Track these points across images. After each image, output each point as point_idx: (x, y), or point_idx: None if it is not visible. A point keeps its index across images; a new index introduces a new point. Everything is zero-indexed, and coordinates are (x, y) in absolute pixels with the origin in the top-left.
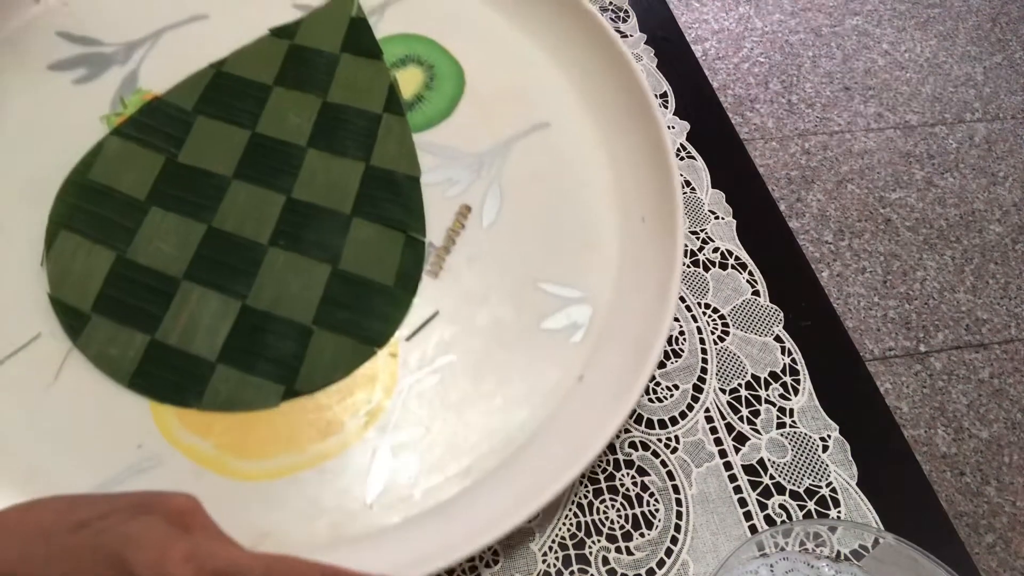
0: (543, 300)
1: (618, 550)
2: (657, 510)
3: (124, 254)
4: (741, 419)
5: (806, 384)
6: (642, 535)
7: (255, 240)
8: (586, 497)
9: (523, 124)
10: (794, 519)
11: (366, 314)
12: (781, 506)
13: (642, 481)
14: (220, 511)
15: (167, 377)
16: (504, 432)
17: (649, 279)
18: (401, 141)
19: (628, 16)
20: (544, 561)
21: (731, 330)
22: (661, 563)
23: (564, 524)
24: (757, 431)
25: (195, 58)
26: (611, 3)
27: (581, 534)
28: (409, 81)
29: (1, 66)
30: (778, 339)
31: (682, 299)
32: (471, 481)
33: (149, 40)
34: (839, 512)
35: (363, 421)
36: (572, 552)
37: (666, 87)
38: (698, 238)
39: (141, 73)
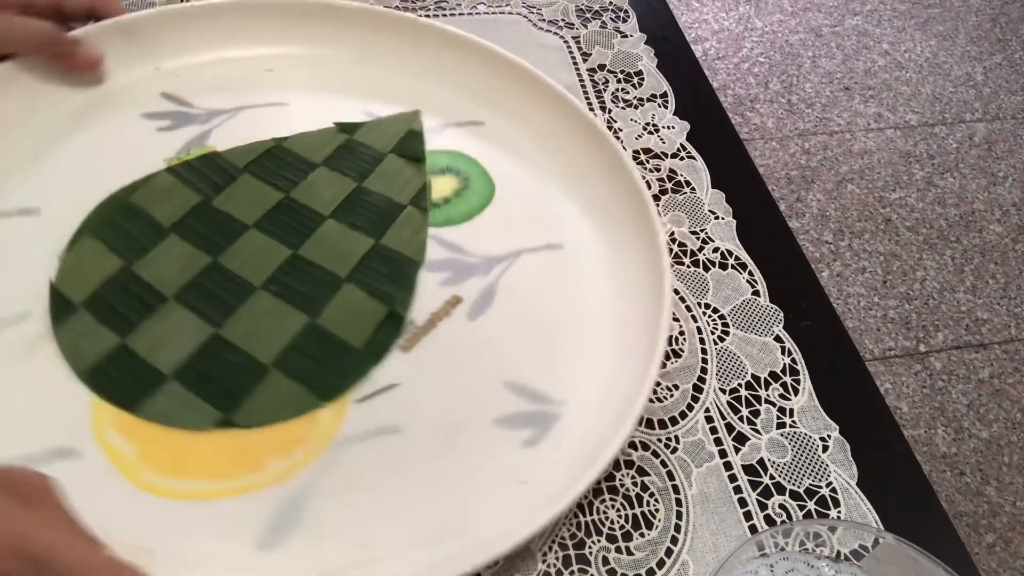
0: (505, 401)
1: (618, 550)
2: (657, 510)
3: (131, 265)
4: (741, 419)
5: (806, 384)
6: (642, 535)
7: (249, 280)
8: (586, 497)
9: (537, 241)
10: (794, 519)
11: (325, 368)
12: (781, 506)
13: (642, 481)
14: (116, 517)
15: (119, 379)
16: (425, 520)
17: (615, 402)
18: (416, 230)
19: (628, 16)
20: (544, 561)
21: (731, 330)
22: (661, 563)
23: (564, 524)
24: (757, 431)
25: (264, 133)
26: (611, 3)
27: (581, 534)
28: (442, 186)
29: (106, 107)
30: (778, 339)
31: (682, 299)
32: (368, 559)
33: (231, 112)
34: (839, 512)
35: (284, 468)
36: (572, 552)
37: (666, 87)
38: (698, 238)
39: (213, 134)
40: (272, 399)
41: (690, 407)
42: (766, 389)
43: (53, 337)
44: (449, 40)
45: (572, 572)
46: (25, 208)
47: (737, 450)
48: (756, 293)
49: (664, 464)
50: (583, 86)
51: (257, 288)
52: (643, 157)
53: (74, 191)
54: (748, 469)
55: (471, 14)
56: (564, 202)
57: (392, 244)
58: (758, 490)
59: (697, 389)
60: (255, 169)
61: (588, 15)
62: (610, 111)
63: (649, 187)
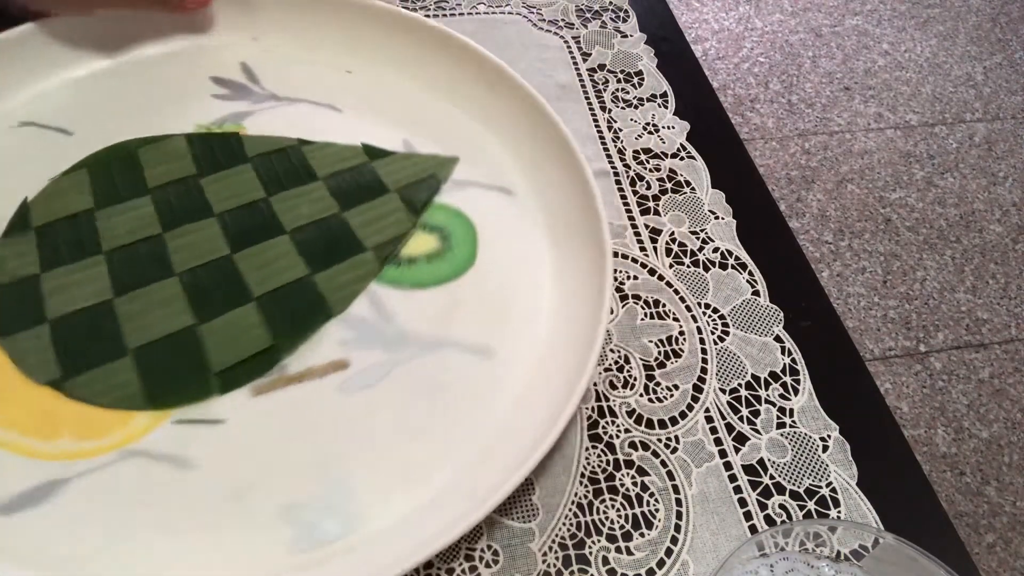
0: (315, 488)
1: (618, 550)
2: (657, 510)
3: (95, 210)
4: (741, 419)
5: (806, 384)
6: (642, 535)
7: (172, 264)
8: (586, 497)
9: (473, 339)
10: (794, 519)
11: (171, 376)
12: (781, 506)
13: (642, 481)
14: None
15: (10, 306)
16: (143, 566)
17: (403, 547)
18: (357, 280)
19: (628, 16)
20: (544, 561)
21: (731, 330)
22: (661, 563)
23: (564, 524)
24: (757, 431)
25: (298, 131)
26: (611, 3)
27: (581, 534)
28: (419, 243)
29: (189, 60)
30: (778, 339)
31: (682, 299)
32: (66, 571)
33: (286, 101)
34: (839, 512)
35: (70, 450)
36: (572, 552)
37: (666, 87)
38: (698, 238)
39: (254, 116)
40: (107, 382)
41: (690, 407)
42: (766, 389)
43: None
44: (531, 107)
45: (572, 572)
46: (63, 128)
47: (737, 450)
48: (756, 293)
49: (664, 464)
50: (583, 86)
51: (173, 274)
52: (643, 157)
53: (110, 127)
54: (748, 469)
55: (471, 14)
56: (534, 310)
57: (321, 283)
58: (758, 490)
59: (697, 389)
60: (260, 162)
61: (588, 15)
62: (610, 111)
63: (649, 187)
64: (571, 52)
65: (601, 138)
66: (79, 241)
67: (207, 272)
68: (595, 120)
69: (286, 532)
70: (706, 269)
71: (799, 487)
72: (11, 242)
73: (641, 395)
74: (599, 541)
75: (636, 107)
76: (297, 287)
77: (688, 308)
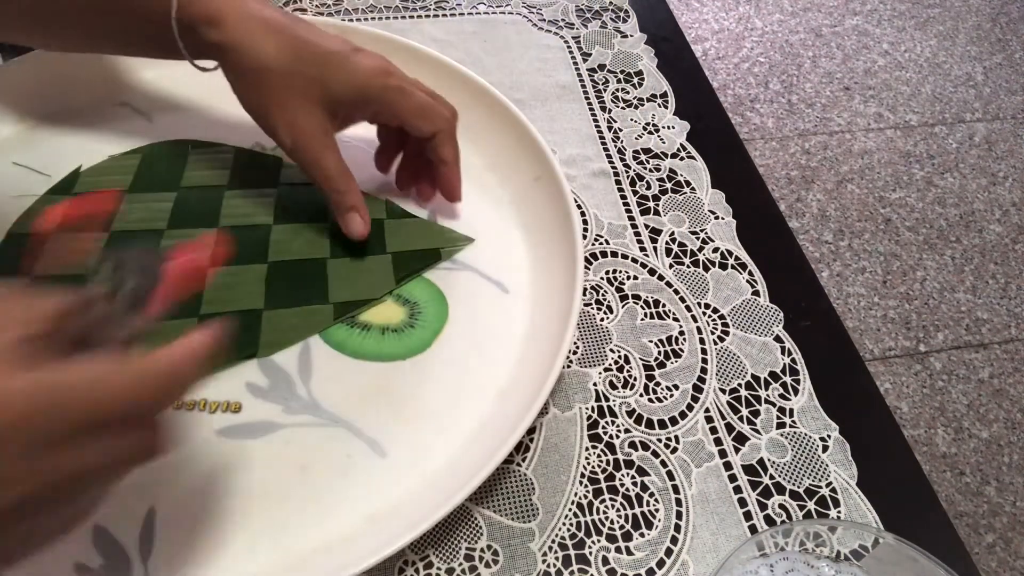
0: (129, 523)
1: (618, 550)
2: (657, 510)
3: (126, 191)
4: (741, 419)
5: (806, 384)
6: (642, 535)
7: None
8: (586, 497)
9: (369, 429)
10: (794, 519)
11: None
12: (781, 506)
13: (642, 481)
14: None
15: (9, 256)
16: None
17: None
18: (303, 329)
19: (628, 16)
20: (544, 561)
21: (731, 330)
22: (661, 563)
23: (564, 524)
24: (757, 431)
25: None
26: (611, 3)
27: (581, 534)
28: (386, 313)
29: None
30: (778, 339)
31: (682, 299)
32: None
33: (344, 140)
34: (839, 512)
35: None
36: (572, 552)
37: (666, 87)
38: (698, 238)
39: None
40: None
41: (690, 407)
42: (766, 389)
43: (42, 194)
44: (561, 205)
45: (572, 572)
46: (147, 115)
47: (737, 450)
48: (756, 293)
49: (664, 464)
50: (583, 86)
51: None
52: (643, 157)
53: (185, 125)
54: (748, 469)
55: (471, 14)
56: (448, 425)
57: (267, 321)
58: (758, 490)
59: (697, 389)
60: (285, 191)
61: (588, 15)
62: (610, 111)
63: (649, 187)
64: (571, 52)
65: (601, 138)
66: (100, 217)
67: None
68: (595, 120)
69: (82, 555)
70: (706, 269)
71: (799, 487)
72: (50, 197)
73: (641, 395)
74: (599, 541)
75: (636, 107)
76: (242, 317)
77: (688, 308)
